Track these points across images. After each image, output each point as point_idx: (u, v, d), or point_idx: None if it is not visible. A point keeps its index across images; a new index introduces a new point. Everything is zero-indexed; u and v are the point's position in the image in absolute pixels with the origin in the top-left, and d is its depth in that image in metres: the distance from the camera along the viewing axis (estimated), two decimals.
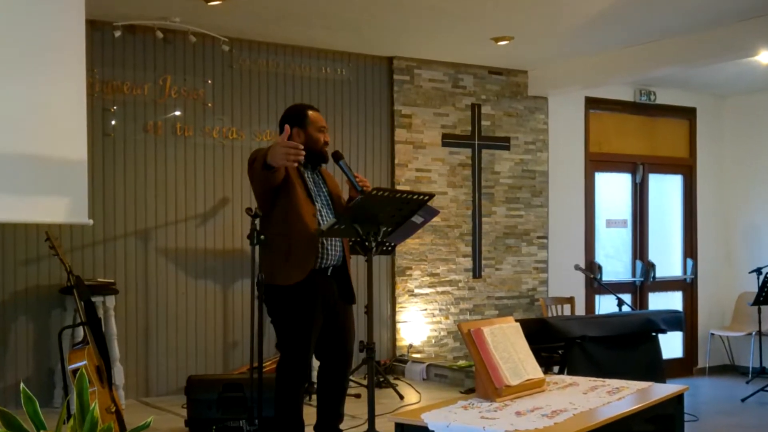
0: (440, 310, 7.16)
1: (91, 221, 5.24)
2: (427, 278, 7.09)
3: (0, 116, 4.39)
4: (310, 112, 3.97)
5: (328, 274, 3.89)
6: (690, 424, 5.61)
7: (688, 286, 8.70)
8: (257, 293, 3.88)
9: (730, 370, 8.51)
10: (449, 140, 7.20)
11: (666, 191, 8.66)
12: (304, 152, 3.57)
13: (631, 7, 5.60)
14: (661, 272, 8.42)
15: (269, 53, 6.40)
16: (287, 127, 3.70)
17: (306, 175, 3.93)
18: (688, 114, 8.66)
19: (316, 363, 4.22)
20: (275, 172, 3.63)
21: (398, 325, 6.94)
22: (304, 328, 3.80)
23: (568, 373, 5.12)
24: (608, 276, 8.06)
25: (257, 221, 3.90)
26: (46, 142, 4.70)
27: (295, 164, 3.63)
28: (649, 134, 8.43)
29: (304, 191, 3.84)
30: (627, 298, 7.89)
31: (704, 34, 6.16)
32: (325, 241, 3.83)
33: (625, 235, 8.39)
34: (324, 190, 3.99)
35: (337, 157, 3.81)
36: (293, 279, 3.76)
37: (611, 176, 8.29)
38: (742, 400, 6.91)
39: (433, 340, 7.12)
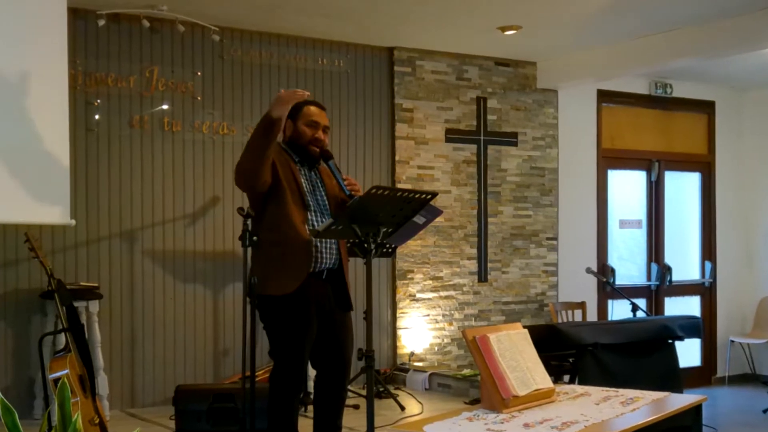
0: (444, 315, 7.16)
1: (73, 222, 5.25)
2: (430, 282, 7.09)
3: None
4: (306, 107, 3.99)
5: (323, 277, 3.89)
6: None
7: (706, 291, 8.70)
8: (250, 298, 3.88)
9: (751, 379, 8.51)
10: (453, 136, 7.20)
11: (683, 189, 8.66)
12: (307, 93, 3.67)
13: None
14: (677, 276, 8.42)
15: (262, 43, 6.40)
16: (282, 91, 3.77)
17: (302, 174, 3.93)
18: (707, 108, 8.66)
19: (312, 372, 4.22)
20: (275, 127, 3.64)
21: (399, 332, 6.94)
22: (297, 336, 3.81)
23: (580, 383, 5.12)
24: (622, 280, 8.06)
25: (249, 221, 3.90)
26: (25, 138, 4.71)
27: (303, 99, 3.70)
28: (665, 129, 8.43)
29: (297, 194, 3.84)
30: (642, 303, 7.90)
31: (724, 23, 6.16)
32: (319, 244, 3.83)
33: (639, 236, 8.39)
34: (321, 189, 3.99)
35: (326, 156, 3.81)
36: (287, 289, 3.77)
37: (625, 174, 8.29)
38: (764, 411, 6.91)
39: (436, 348, 7.12)
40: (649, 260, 8.38)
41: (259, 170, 3.70)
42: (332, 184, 4.05)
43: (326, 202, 3.97)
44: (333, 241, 3.88)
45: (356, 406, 5.71)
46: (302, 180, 3.91)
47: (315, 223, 3.85)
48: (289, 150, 3.97)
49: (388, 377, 6.68)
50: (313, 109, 3.99)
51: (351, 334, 4.02)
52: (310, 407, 4.46)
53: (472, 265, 7.30)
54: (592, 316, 7.74)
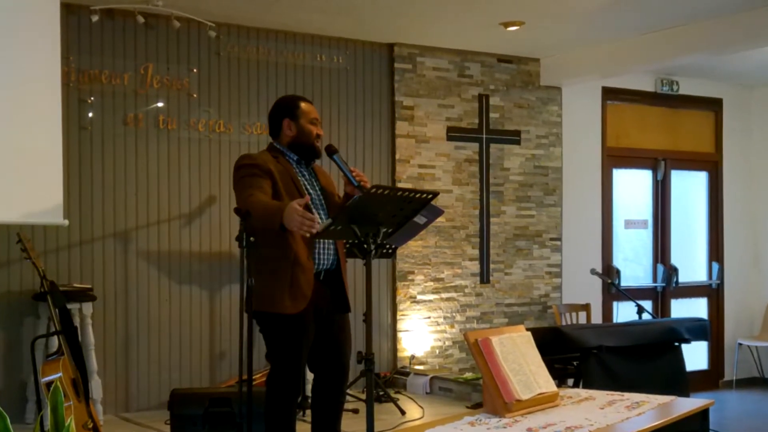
0: (445, 318, 7.16)
1: (66, 222, 5.25)
2: (431, 283, 7.10)
3: None
4: (302, 103, 4.02)
5: (320, 279, 3.88)
6: None
7: (713, 292, 8.70)
8: (247, 304, 3.87)
9: (759, 383, 8.51)
10: (455, 134, 7.20)
11: (690, 189, 8.66)
12: (318, 224, 3.52)
13: None
14: (684, 277, 8.42)
15: (259, 39, 6.40)
16: (307, 197, 3.65)
17: (300, 176, 3.93)
18: (714, 105, 8.66)
19: (310, 375, 4.22)
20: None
21: (399, 335, 6.94)
22: (295, 340, 3.81)
23: (584, 386, 5.13)
24: (627, 281, 8.06)
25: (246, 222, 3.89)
26: (17, 137, 4.71)
27: (308, 235, 3.55)
28: (672, 127, 8.43)
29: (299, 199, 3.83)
30: (647, 305, 7.90)
31: (731, 18, 6.16)
32: (316, 244, 3.83)
33: (645, 236, 8.40)
34: (317, 188, 3.99)
35: (331, 150, 3.81)
36: (296, 309, 3.76)
37: (630, 173, 8.29)
38: None
39: (438, 351, 7.12)
40: (655, 261, 8.38)
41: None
42: (327, 181, 4.06)
43: (323, 201, 3.97)
44: (330, 241, 3.88)
45: (356, 411, 5.71)
46: (302, 184, 3.89)
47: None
48: (288, 152, 3.96)
49: (388, 381, 6.68)
50: (309, 105, 4.04)
51: (349, 336, 4.02)
52: (309, 411, 4.46)
53: (474, 266, 7.30)
54: (596, 318, 7.74)
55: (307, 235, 3.56)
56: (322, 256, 3.87)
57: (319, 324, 3.88)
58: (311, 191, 3.94)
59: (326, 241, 3.85)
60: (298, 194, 3.83)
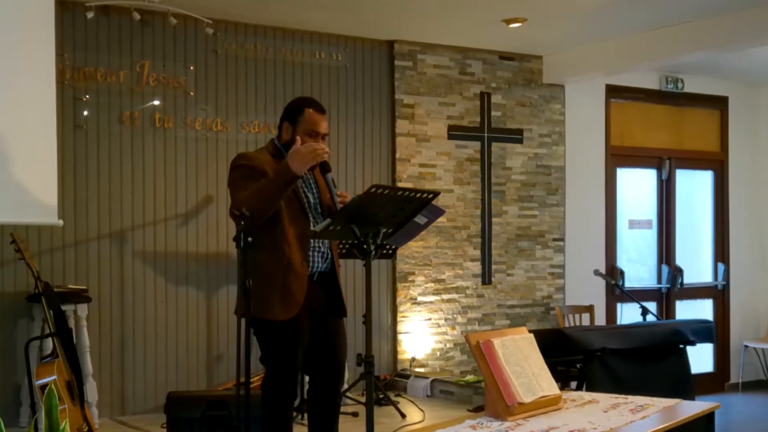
0: (446, 319, 7.16)
1: (61, 222, 5.25)
2: (432, 285, 7.10)
3: None
4: (307, 111, 3.90)
5: (314, 280, 3.88)
6: None
7: (719, 294, 8.70)
8: (246, 308, 3.86)
9: (765, 386, 8.51)
10: (456, 132, 7.20)
11: (695, 188, 8.66)
12: (328, 151, 3.61)
13: None
14: (689, 278, 8.42)
15: (257, 36, 6.40)
16: (298, 138, 3.72)
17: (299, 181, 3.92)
18: (719, 104, 8.66)
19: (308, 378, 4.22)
20: (294, 181, 3.67)
21: (400, 337, 6.95)
22: (290, 343, 3.81)
23: (587, 389, 5.13)
24: (631, 282, 8.06)
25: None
26: (10, 135, 4.71)
27: (325, 158, 3.68)
28: (677, 126, 8.43)
29: (296, 204, 3.82)
30: (652, 306, 7.89)
31: (737, 15, 6.16)
32: (310, 248, 3.82)
33: (649, 237, 8.39)
34: (315, 192, 3.97)
35: (325, 169, 3.78)
36: (289, 315, 3.76)
37: (635, 172, 8.30)
38: None
39: (438, 353, 7.12)
40: (660, 262, 8.38)
41: (270, 211, 3.71)
42: (325, 185, 4.04)
43: (318, 207, 3.95)
44: (325, 242, 3.88)
45: (355, 414, 5.71)
46: (299, 186, 3.88)
47: (312, 225, 3.84)
48: (285, 152, 3.93)
49: (388, 384, 6.68)
50: (315, 115, 3.90)
51: (344, 337, 4.01)
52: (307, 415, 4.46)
53: (476, 267, 7.29)
54: (600, 320, 7.74)
55: (325, 157, 3.66)
56: (316, 258, 3.86)
57: (313, 326, 3.88)
58: (308, 194, 3.93)
59: (321, 244, 3.85)
60: (294, 196, 3.83)
